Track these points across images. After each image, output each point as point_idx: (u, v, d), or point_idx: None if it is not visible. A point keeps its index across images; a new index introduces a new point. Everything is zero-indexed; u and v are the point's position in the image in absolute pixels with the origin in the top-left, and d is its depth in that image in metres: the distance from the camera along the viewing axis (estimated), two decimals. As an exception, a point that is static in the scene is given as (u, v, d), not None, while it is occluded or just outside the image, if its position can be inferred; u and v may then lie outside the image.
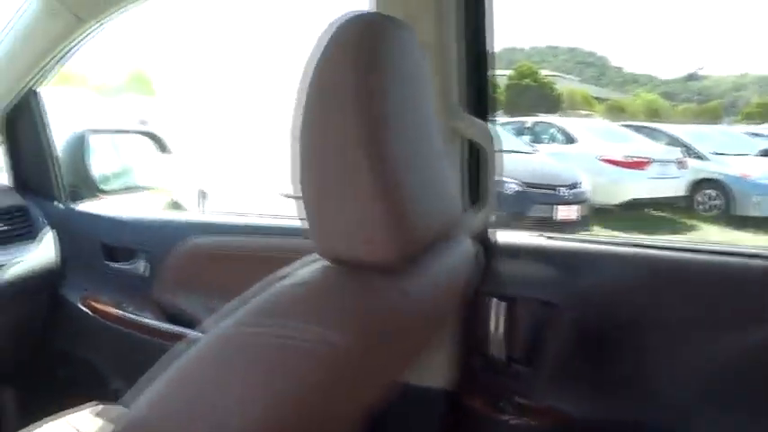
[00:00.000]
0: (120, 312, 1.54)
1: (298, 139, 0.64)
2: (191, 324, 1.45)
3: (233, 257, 1.43)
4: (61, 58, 1.48)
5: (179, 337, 1.46)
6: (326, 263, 0.66)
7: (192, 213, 1.54)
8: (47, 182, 1.65)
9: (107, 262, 1.59)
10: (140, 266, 1.54)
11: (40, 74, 1.52)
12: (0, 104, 1.56)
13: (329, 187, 0.63)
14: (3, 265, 1.49)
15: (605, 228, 5.41)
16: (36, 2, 1.37)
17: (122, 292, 1.57)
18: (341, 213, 0.63)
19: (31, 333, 1.60)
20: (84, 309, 1.58)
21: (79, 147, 1.70)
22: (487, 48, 1.09)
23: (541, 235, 1.17)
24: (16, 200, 1.59)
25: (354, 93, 0.61)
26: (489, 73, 1.11)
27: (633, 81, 13.57)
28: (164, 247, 1.50)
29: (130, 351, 1.54)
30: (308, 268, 0.66)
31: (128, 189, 1.76)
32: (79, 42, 1.45)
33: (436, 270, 0.73)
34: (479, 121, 1.06)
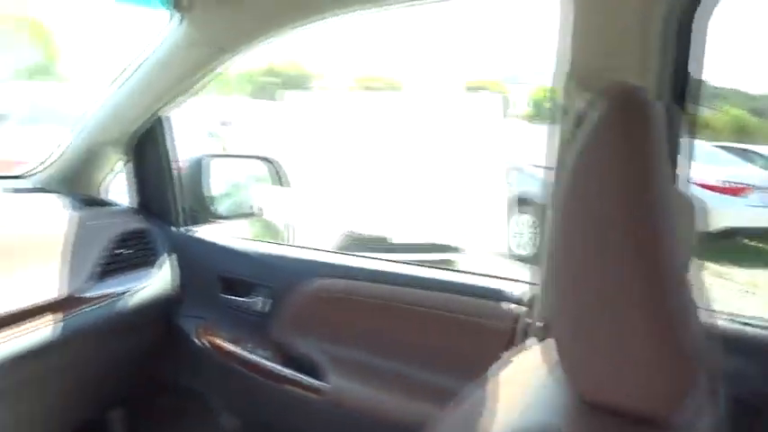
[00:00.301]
0: (236, 349, 1.50)
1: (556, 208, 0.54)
2: (311, 371, 1.38)
3: (360, 304, 1.35)
4: (195, 86, 1.45)
5: (294, 382, 1.41)
6: (567, 394, 0.55)
7: (316, 251, 1.46)
8: (167, 206, 1.63)
9: (222, 294, 1.55)
10: (259, 302, 1.49)
11: (172, 101, 1.49)
12: (130, 128, 1.55)
13: (590, 302, 0.52)
14: (125, 293, 1.47)
15: (696, 258, 5.05)
16: (177, 31, 1.34)
17: (239, 326, 1.52)
18: (606, 342, 0.52)
19: (145, 360, 1.58)
20: (198, 341, 1.54)
21: (197, 171, 1.67)
22: (690, 107, 0.95)
23: (733, 319, 1.02)
24: (139, 223, 1.58)
25: (624, 184, 0.51)
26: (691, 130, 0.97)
27: (718, 96, 12.84)
28: (285, 285, 1.45)
29: (244, 389, 1.49)
30: (546, 407, 0.55)
31: (242, 215, 1.72)
32: (215, 71, 1.41)
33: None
34: (681, 191, 0.93)
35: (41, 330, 1.29)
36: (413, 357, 1.29)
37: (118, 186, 1.74)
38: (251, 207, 1.75)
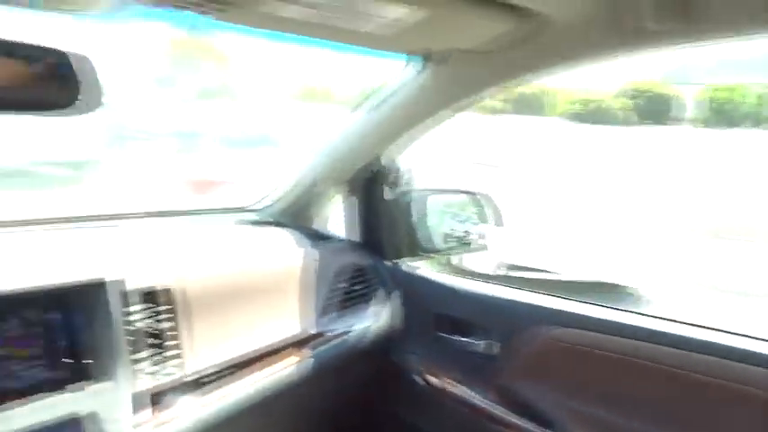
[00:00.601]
0: (460, 390, 1.50)
1: None
2: (542, 422, 1.33)
3: (604, 359, 1.27)
4: (427, 129, 1.47)
5: (523, 430, 1.37)
6: None
7: (543, 296, 1.41)
8: (385, 241, 1.68)
9: (438, 332, 1.56)
10: (481, 344, 1.47)
11: (401, 142, 1.53)
12: (356, 165, 1.62)
13: None
14: (353, 329, 1.53)
15: None
16: (415, 78, 1.36)
17: (458, 366, 1.51)
18: None
19: (366, 394, 1.64)
20: (419, 378, 1.56)
21: (408, 206, 1.70)
22: None
23: None
24: (362, 258, 1.64)
25: None
26: None
27: None
28: (511, 329, 1.41)
29: (467, 430, 1.48)
30: None
31: (457, 250, 1.71)
32: (449, 116, 1.41)
33: None
34: None
35: (287, 368, 1.38)
36: (664, 424, 1.19)
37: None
38: (466, 242, 1.74)
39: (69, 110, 0.86)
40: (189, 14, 0.84)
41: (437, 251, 1.73)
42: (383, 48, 1.19)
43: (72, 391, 1.04)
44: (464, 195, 1.77)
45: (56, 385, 1.03)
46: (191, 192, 4.18)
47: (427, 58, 1.25)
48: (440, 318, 1.56)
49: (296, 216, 1.76)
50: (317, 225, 1.80)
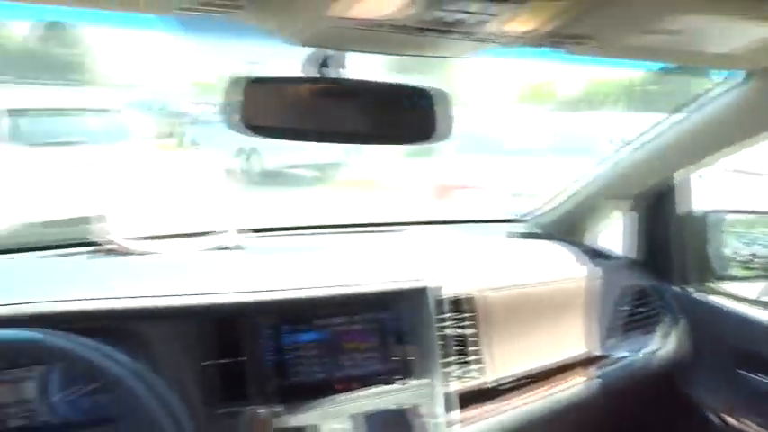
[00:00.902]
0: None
1: None
2: None
3: None
4: (736, 150, 1.34)
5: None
6: None
7: None
8: (671, 264, 1.57)
9: (741, 370, 1.41)
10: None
11: (701, 163, 1.42)
12: (645, 184, 1.54)
13: None
14: (636, 354, 1.47)
15: None
16: (734, 93, 1.24)
17: (763, 409, 1.36)
18: None
19: (648, 422, 1.55)
20: (713, 417, 1.44)
21: (703, 228, 1.56)
22: None
23: None
24: (645, 280, 1.56)
25: None
26: None
27: None
28: None
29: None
30: None
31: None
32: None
33: None
34: None
35: (574, 387, 1.38)
36: None
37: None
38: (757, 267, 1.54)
39: (431, 139, 0.97)
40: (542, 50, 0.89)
41: (733, 277, 1.56)
42: (720, 66, 1.11)
43: (399, 385, 1.17)
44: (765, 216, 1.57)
45: (386, 378, 1.17)
46: (433, 195, 4.40)
47: (757, 73, 1.13)
48: (743, 353, 1.42)
49: (567, 229, 1.74)
50: (587, 240, 1.76)
